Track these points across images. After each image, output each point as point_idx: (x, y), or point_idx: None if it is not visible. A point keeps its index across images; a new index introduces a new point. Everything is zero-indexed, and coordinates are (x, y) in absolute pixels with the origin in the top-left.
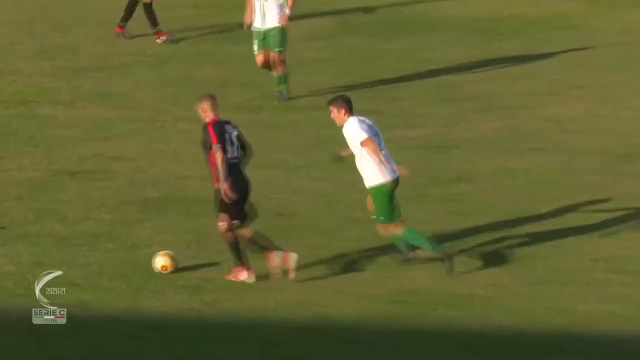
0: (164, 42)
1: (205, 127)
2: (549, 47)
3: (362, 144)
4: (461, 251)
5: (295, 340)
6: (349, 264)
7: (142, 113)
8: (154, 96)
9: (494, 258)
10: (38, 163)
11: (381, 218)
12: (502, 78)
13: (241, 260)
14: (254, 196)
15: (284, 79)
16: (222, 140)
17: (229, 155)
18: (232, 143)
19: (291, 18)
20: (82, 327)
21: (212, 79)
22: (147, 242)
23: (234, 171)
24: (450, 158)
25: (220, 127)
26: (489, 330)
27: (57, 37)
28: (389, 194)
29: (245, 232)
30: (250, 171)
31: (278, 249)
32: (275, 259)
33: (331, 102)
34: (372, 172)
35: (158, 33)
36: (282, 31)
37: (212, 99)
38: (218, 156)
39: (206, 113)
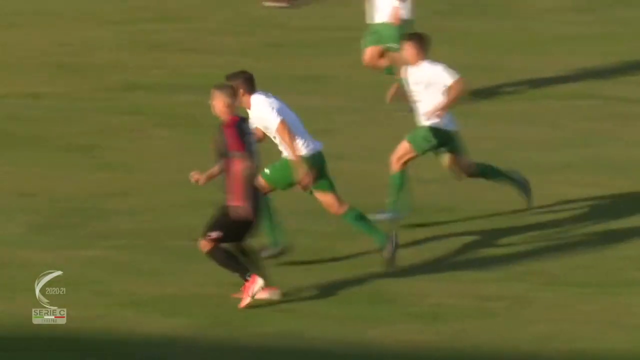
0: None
1: (224, 127)
2: None
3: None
4: None
5: None
6: (624, 287)
7: (358, 102)
8: (374, 81)
9: None
10: None
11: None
12: None
13: (246, 271)
14: (494, 206)
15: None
16: (246, 145)
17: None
18: (251, 149)
19: None
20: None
21: (447, 61)
22: (373, 260)
23: (254, 186)
24: None
25: (242, 128)
26: None
27: (255, 7)
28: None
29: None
30: None
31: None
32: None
33: (228, 78)
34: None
35: None
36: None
37: (234, 90)
38: (241, 167)
39: (228, 109)
